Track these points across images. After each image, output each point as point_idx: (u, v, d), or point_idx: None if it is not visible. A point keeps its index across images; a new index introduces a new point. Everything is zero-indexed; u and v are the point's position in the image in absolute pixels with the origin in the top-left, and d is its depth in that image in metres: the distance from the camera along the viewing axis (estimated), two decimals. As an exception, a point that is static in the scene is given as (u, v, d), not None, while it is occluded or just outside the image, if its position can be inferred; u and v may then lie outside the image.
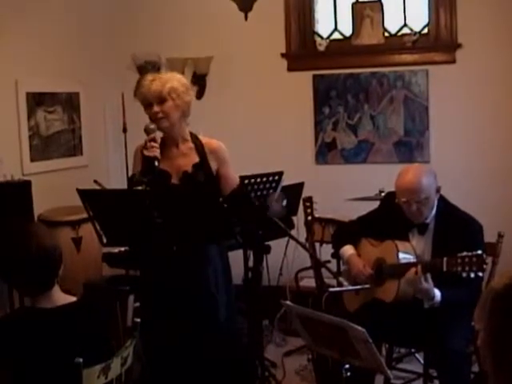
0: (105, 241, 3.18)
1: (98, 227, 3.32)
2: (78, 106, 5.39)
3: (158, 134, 3.25)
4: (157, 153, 3.07)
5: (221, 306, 3.26)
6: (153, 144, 3.08)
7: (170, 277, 3.16)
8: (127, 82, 5.21)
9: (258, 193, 3.75)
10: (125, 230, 3.07)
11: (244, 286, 3.26)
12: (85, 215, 3.62)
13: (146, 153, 3.08)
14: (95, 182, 4.47)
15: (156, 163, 3.06)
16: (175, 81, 3.18)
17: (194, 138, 3.27)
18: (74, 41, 5.37)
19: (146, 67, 5.35)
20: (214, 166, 3.22)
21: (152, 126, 3.12)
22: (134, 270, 4.30)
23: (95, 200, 3.14)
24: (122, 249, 4.36)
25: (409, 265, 3.19)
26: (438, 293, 3.11)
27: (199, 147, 3.23)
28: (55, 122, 5.18)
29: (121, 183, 5.05)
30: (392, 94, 5.25)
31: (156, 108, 3.13)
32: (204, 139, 3.27)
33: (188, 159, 3.20)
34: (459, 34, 5.06)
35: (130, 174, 3.26)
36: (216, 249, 3.24)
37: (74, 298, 2.47)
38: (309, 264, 4.46)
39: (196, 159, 3.19)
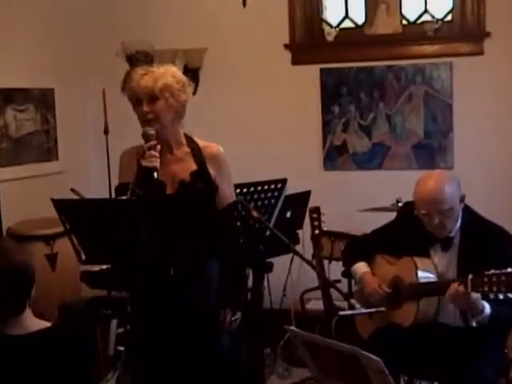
0: (83, 257, 3.17)
1: (76, 242, 3.32)
2: (52, 103, 5.41)
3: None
4: (157, 163, 3.05)
5: (224, 331, 3.25)
6: (152, 153, 3.06)
7: (165, 298, 3.15)
8: (110, 77, 5.22)
9: (259, 203, 3.77)
10: (107, 246, 3.06)
11: (243, 309, 3.25)
12: (61, 228, 3.62)
13: (144, 163, 3.05)
14: (72, 190, 4.47)
15: (155, 175, 3.04)
16: (170, 76, 3.16)
17: (190, 141, 3.26)
18: (49, 29, 5.37)
19: (138, 57, 5.30)
20: (212, 172, 3.21)
21: (151, 132, 3.09)
22: (117, 291, 4.29)
23: (73, 211, 3.13)
24: (104, 267, 4.36)
25: (429, 285, 3.19)
26: (486, 304, 3.06)
27: (196, 151, 3.21)
28: (27, 123, 5.19)
29: (102, 192, 5.05)
30: (411, 91, 5.26)
31: (146, 107, 3.10)
32: (201, 142, 3.26)
33: (184, 165, 3.18)
34: (487, 21, 5.07)
35: (117, 183, 3.24)
36: (217, 267, 3.23)
37: (47, 324, 2.46)
38: (316, 284, 4.45)
39: (193, 166, 3.17)
